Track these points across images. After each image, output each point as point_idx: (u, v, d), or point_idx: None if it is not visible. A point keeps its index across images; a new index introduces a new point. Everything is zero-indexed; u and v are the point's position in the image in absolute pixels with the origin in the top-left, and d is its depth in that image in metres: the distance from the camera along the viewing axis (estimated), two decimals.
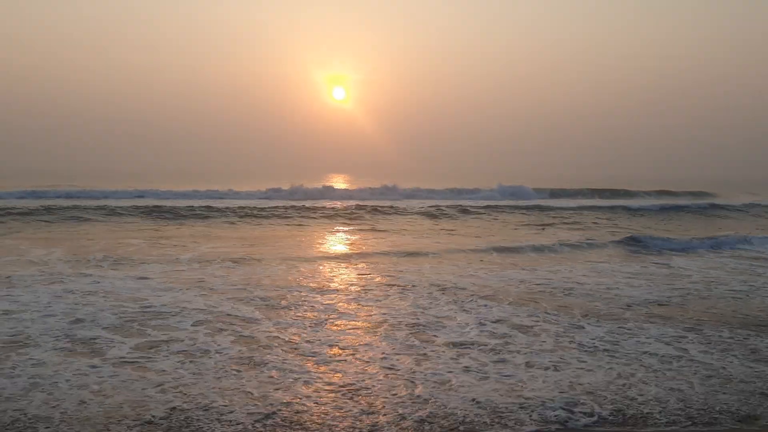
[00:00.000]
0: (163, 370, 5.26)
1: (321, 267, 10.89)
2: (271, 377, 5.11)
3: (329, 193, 32.83)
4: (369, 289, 8.91)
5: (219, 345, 6.02)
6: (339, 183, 48.44)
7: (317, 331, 6.55)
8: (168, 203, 23.29)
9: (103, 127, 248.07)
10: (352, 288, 9.01)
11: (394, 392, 4.81)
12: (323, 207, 23.34)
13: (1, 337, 6.19)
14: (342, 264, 11.30)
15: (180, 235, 15.52)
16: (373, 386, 4.93)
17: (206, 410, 4.42)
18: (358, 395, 4.72)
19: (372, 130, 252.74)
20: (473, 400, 4.68)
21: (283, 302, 8.02)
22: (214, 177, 62.72)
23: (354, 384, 4.96)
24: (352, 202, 26.56)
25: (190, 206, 21.78)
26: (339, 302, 8.03)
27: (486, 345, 6.16)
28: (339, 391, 4.81)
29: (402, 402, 4.65)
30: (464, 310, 7.72)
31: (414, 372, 5.35)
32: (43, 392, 4.69)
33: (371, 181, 45.26)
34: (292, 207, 22.90)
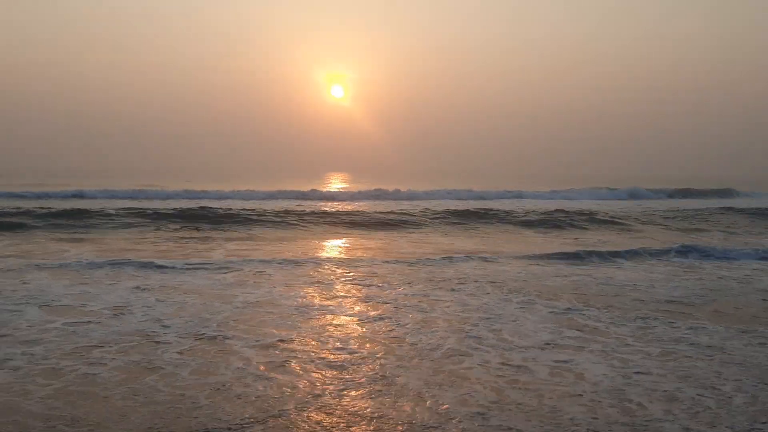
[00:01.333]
0: (319, 371, 5.25)
1: (374, 268, 10.68)
2: (445, 380, 5.05)
3: (380, 195, 32.28)
4: (434, 286, 8.96)
5: (352, 344, 6.08)
6: (374, 184, 46.57)
7: (432, 330, 6.63)
8: (173, 204, 22.94)
9: (101, 125, 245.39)
10: (422, 287, 9.03)
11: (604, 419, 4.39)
12: (358, 210, 22.81)
13: (135, 338, 6.12)
14: (401, 265, 11.12)
15: (197, 236, 15.47)
16: (568, 410, 4.52)
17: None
18: (572, 419, 4.39)
19: (370, 128, 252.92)
20: None
21: (368, 298, 8.19)
22: (213, 176, 62.09)
23: (560, 408, 4.56)
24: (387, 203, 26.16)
25: (192, 207, 21.29)
26: (421, 301, 8.08)
27: (590, 349, 6.06)
28: (550, 412, 4.50)
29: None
30: (526, 309, 7.77)
31: (595, 391, 4.94)
32: (275, 420, 4.32)
33: (374, 182, 44.82)
34: (307, 208, 22.70)
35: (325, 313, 7.25)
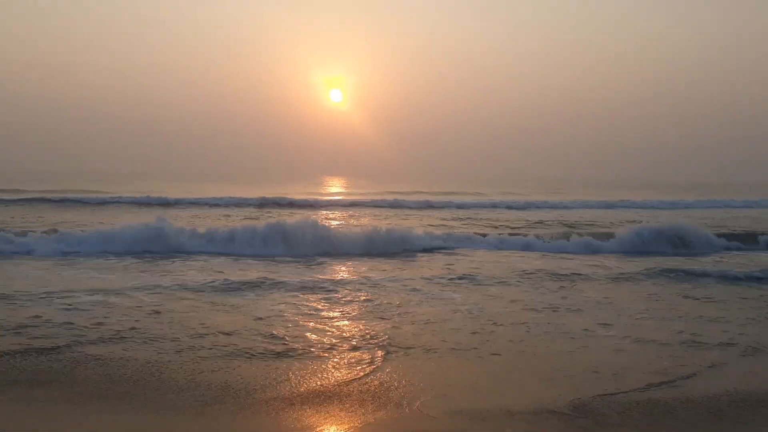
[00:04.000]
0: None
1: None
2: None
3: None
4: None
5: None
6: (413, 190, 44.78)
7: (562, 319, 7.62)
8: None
9: (99, 126, 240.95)
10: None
11: None
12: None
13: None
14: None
15: None
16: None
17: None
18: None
19: (369, 132, 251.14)
20: None
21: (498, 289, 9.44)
22: (215, 178, 61.26)
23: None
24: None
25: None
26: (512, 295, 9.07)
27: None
28: None
29: None
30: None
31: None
32: None
33: (374, 185, 42.93)
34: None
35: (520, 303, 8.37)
